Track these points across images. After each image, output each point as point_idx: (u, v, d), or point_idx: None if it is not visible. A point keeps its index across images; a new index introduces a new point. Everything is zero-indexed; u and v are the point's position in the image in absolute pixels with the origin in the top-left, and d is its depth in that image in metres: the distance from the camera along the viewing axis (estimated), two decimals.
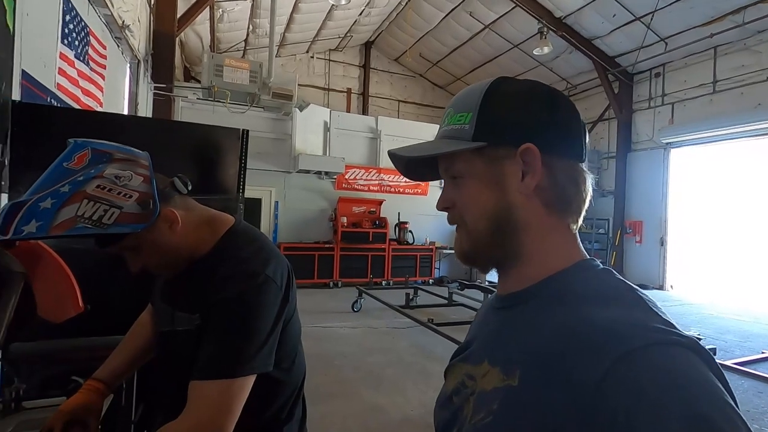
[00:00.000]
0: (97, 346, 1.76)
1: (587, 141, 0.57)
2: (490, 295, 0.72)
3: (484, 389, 0.52)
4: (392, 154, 0.61)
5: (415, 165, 0.63)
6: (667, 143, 9.28)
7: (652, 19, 7.99)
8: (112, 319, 1.65)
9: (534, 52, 9.55)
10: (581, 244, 0.57)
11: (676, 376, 0.39)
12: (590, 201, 0.57)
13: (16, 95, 2.18)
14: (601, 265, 0.55)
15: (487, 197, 0.54)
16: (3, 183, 2.02)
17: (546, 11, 8.86)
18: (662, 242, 9.41)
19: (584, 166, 0.56)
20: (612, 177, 10.22)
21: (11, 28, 2.06)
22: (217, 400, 0.83)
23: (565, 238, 0.55)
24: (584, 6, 8.44)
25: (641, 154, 9.89)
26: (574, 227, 0.56)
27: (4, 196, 2.05)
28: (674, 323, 0.45)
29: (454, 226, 0.59)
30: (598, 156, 10.61)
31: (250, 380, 0.87)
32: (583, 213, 0.56)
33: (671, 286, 9.35)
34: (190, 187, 0.97)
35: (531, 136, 0.52)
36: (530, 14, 8.88)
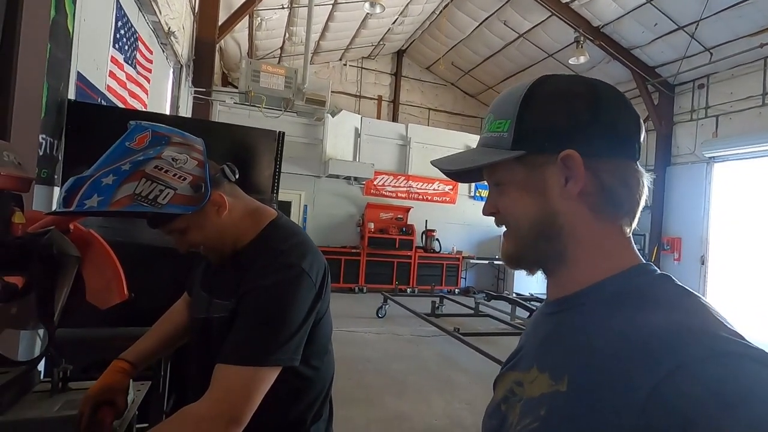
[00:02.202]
0: (135, 336, 1.83)
1: (642, 137, 0.54)
2: (540, 304, 0.70)
3: (532, 395, 0.50)
4: (434, 164, 0.61)
5: (463, 171, 0.63)
6: (710, 157, 8.87)
7: (696, 29, 7.70)
8: (149, 310, 1.71)
9: (569, 62, 9.36)
10: (636, 249, 0.54)
11: (744, 393, 0.36)
12: (646, 201, 0.54)
13: (71, 95, 2.31)
14: (659, 270, 0.52)
15: (529, 204, 0.53)
16: (56, 177, 2.14)
17: (583, 20, 8.69)
18: (703, 261, 8.95)
19: (638, 164, 0.53)
20: (650, 191, 9.84)
21: (71, 31, 2.20)
22: (239, 386, 0.83)
23: (617, 242, 0.53)
24: (624, 15, 8.22)
25: (682, 167, 9.49)
26: (628, 230, 0.54)
27: (57, 190, 2.17)
28: (742, 334, 0.42)
29: (498, 229, 0.59)
30: None
31: (275, 372, 0.87)
32: (638, 214, 0.54)
33: None
34: (237, 175, 1.00)
35: (571, 141, 0.50)
36: (567, 23, 8.73)
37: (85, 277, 1.13)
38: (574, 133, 0.51)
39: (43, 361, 1.23)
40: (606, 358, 0.44)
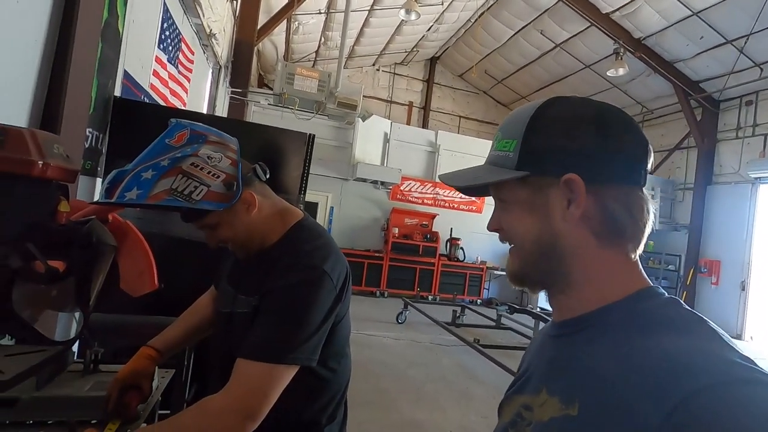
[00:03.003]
0: (162, 325, 1.90)
1: (650, 164, 0.53)
2: (545, 324, 0.69)
3: (542, 420, 0.50)
4: (442, 179, 0.63)
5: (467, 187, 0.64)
6: (756, 178, 8.41)
7: (746, 43, 7.35)
8: (177, 300, 1.77)
9: (608, 74, 9.12)
10: (644, 273, 0.53)
11: (759, 422, 0.35)
12: (653, 228, 0.53)
13: (117, 92, 2.44)
14: (667, 294, 0.51)
15: (531, 224, 0.54)
16: (99, 168, 2.26)
17: (624, 31, 8.44)
18: (743, 287, 8.48)
19: (644, 190, 0.53)
20: (687, 210, 9.42)
21: (120, 32, 2.32)
22: (257, 382, 0.85)
23: (622, 266, 0.52)
24: (668, 27, 7.94)
25: (724, 187, 9.04)
26: (634, 255, 0.53)
27: (99, 181, 2.29)
28: (753, 359, 0.41)
29: (508, 246, 0.59)
30: (673, 186, 9.84)
31: (292, 370, 0.89)
32: (644, 241, 0.53)
33: (751, 338, 8.37)
34: (268, 175, 1.04)
35: (575, 164, 0.50)
36: (606, 34, 8.51)
37: (120, 265, 1.19)
38: (578, 157, 0.51)
39: (77, 343, 1.29)
40: (617, 384, 0.43)
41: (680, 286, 9.28)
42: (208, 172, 0.90)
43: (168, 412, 1.59)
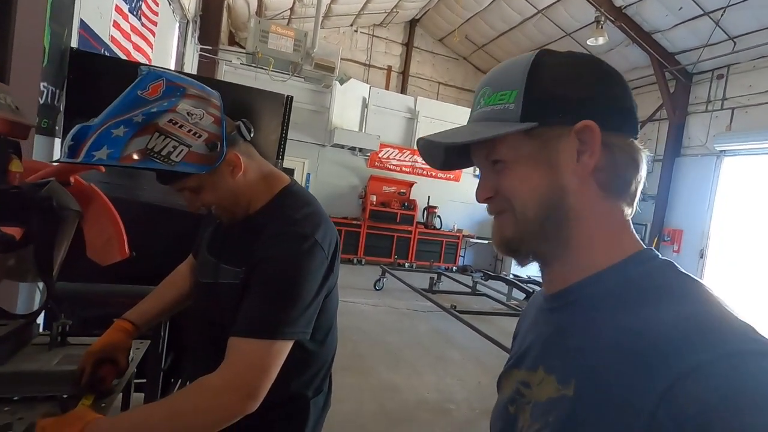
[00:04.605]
0: (133, 293, 1.81)
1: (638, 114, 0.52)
2: (536, 294, 0.66)
3: (540, 399, 0.48)
4: (426, 142, 0.54)
5: (449, 154, 0.58)
6: (721, 150, 8.73)
7: (722, 15, 7.42)
8: (149, 268, 1.69)
9: (588, 43, 9.06)
10: (635, 233, 0.51)
11: (762, 396, 0.33)
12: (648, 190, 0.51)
13: (74, 44, 2.22)
14: (660, 256, 0.49)
15: (539, 181, 0.49)
16: (58, 128, 2.08)
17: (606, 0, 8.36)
18: (702, 254, 8.97)
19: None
20: (656, 181, 9.75)
21: None
22: (256, 359, 0.82)
23: (618, 227, 0.50)
24: None
25: (691, 159, 9.36)
26: (629, 212, 0.51)
27: (57, 141, 2.12)
28: (753, 326, 0.39)
29: (491, 216, 0.55)
30: None
31: (289, 344, 0.86)
32: (638, 197, 0.51)
33: None
34: (253, 134, 0.96)
35: (587, 112, 0.47)
36: (588, 1, 8.40)
37: (85, 232, 1.10)
38: (589, 104, 0.48)
39: (42, 315, 1.21)
40: (612, 361, 0.41)
41: None
42: (188, 131, 0.81)
43: (144, 381, 1.55)
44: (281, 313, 0.84)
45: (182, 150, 0.80)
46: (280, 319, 0.84)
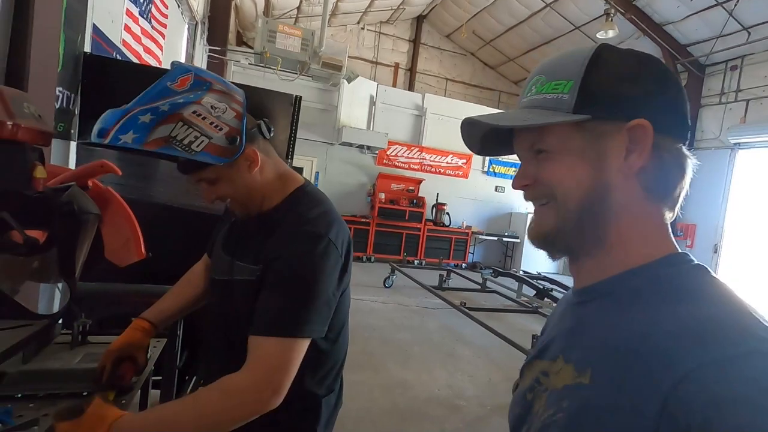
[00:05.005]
0: (148, 293, 1.85)
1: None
2: (567, 291, 0.68)
3: (556, 386, 0.49)
4: (469, 124, 0.54)
5: (490, 138, 0.58)
6: (735, 143, 8.58)
7: (736, 5, 7.27)
8: (164, 269, 1.73)
9: (597, 36, 8.94)
10: (673, 237, 0.51)
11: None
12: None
13: (87, 48, 2.27)
14: (695, 261, 0.49)
15: (584, 175, 0.49)
16: (73, 131, 2.13)
17: None
18: (716, 249, 8.84)
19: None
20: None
21: None
22: (279, 357, 0.84)
23: (655, 229, 0.50)
24: None
25: (704, 153, 9.20)
26: (669, 216, 0.51)
27: (73, 144, 2.16)
28: None
29: (527, 202, 0.55)
30: None
31: (308, 342, 0.88)
32: (680, 203, 0.51)
33: None
34: (273, 133, 0.99)
35: (642, 111, 0.46)
36: None
37: (103, 234, 1.13)
38: (645, 104, 0.47)
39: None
40: (629, 352, 0.42)
41: None
42: (211, 123, 0.84)
43: (160, 378, 1.59)
44: (301, 311, 0.86)
45: (203, 141, 0.83)
46: (299, 317, 0.86)
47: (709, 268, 0.48)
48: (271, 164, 0.99)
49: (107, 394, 0.98)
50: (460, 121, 0.55)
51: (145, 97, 0.82)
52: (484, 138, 0.58)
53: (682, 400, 0.36)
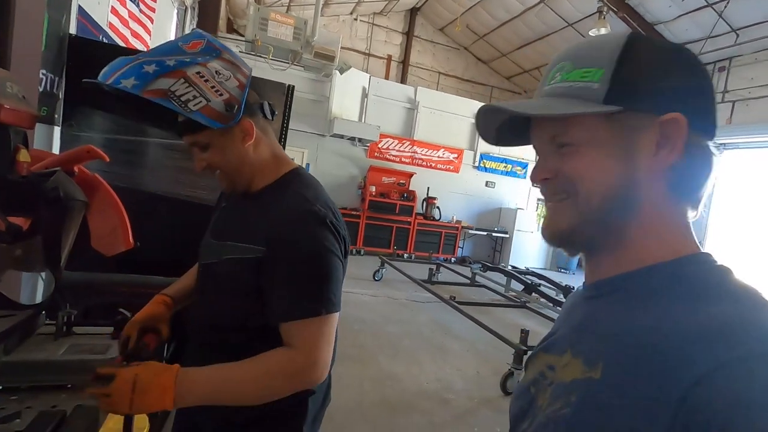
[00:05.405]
0: (136, 283, 1.82)
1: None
2: (578, 286, 0.67)
3: (563, 380, 0.48)
4: (491, 110, 0.51)
5: (505, 128, 0.56)
6: (720, 144, 8.73)
7: (726, 6, 7.35)
8: (152, 257, 1.69)
9: (590, 33, 8.99)
10: (695, 237, 0.49)
11: None
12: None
13: (72, 30, 2.19)
14: (718, 262, 0.47)
15: (610, 170, 0.46)
16: (57, 116, 2.06)
17: None
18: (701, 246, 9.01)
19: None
20: None
21: None
22: (320, 336, 0.87)
23: (677, 227, 0.48)
24: None
25: None
26: (693, 215, 0.49)
27: (57, 129, 2.09)
28: None
29: (542, 197, 0.53)
30: None
31: (337, 316, 0.91)
32: (703, 202, 0.49)
33: None
34: (274, 117, 0.99)
35: (676, 104, 0.44)
36: None
37: (90, 222, 1.09)
38: (678, 97, 0.45)
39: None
40: (644, 348, 0.41)
41: None
42: (212, 87, 0.85)
43: None
44: (324, 289, 0.88)
45: (201, 102, 0.84)
46: (323, 294, 0.88)
47: (732, 270, 0.46)
48: (267, 143, 0.99)
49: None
50: (480, 107, 0.52)
51: (155, 52, 0.85)
52: (501, 127, 0.56)
53: (703, 399, 0.35)
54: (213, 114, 0.85)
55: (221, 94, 0.86)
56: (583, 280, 0.55)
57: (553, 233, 0.52)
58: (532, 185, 0.55)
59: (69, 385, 0.99)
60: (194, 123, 0.85)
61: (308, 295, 0.87)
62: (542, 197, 0.54)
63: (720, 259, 0.47)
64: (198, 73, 0.84)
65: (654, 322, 0.42)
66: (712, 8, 7.64)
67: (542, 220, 0.55)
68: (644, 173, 0.46)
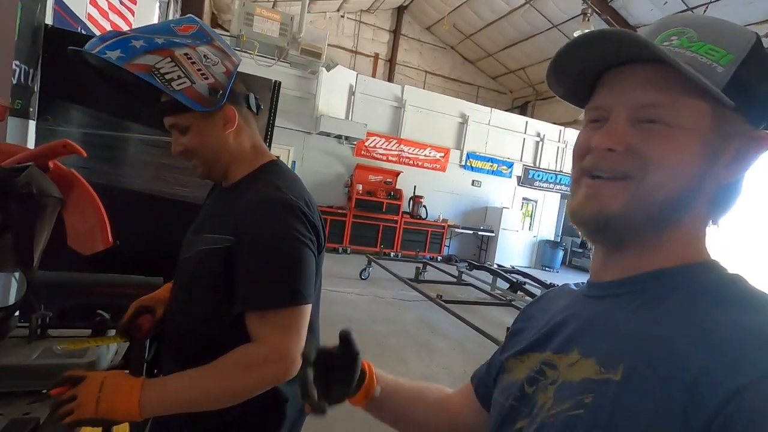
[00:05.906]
0: (114, 283, 1.76)
1: None
2: (563, 285, 0.65)
3: (572, 379, 0.46)
4: (602, 36, 0.42)
5: (583, 80, 0.49)
6: None
7: (705, 11, 7.54)
8: (132, 257, 1.64)
9: (574, 35, 9.11)
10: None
11: None
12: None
13: (48, 20, 2.11)
14: (729, 269, 0.47)
15: (693, 166, 0.43)
16: (32, 110, 1.98)
17: None
18: None
19: None
20: None
21: None
22: (289, 327, 0.83)
23: (700, 234, 0.48)
24: None
25: None
26: (710, 224, 0.49)
27: (32, 123, 2.02)
28: None
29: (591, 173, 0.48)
30: None
31: (308, 308, 0.87)
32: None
33: None
34: (259, 111, 0.99)
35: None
36: None
37: (66, 220, 1.04)
38: None
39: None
40: (679, 354, 0.39)
41: None
42: (198, 69, 0.85)
43: (128, 372, 1.51)
44: (291, 279, 0.84)
45: (184, 82, 0.83)
46: (289, 284, 0.84)
47: (745, 278, 0.45)
48: (248, 134, 0.98)
49: (119, 338, 1.01)
50: (581, 32, 0.49)
51: (145, 29, 0.84)
52: (579, 79, 0.49)
53: (747, 406, 0.34)
54: (195, 96, 0.85)
55: (207, 78, 0.85)
56: (589, 279, 0.54)
57: (595, 214, 0.46)
58: (578, 150, 0.49)
59: (43, 391, 0.95)
60: (176, 104, 0.84)
61: (272, 284, 0.83)
62: (580, 171, 0.48)
63: (727, 264, 0.47)
64: (186, 54, 0.84)
65: (688, 328, 0.41)
66: (692, 12, 7.82)
67: (575, 198, 0.49)
68: (711, 181, 0.44)
